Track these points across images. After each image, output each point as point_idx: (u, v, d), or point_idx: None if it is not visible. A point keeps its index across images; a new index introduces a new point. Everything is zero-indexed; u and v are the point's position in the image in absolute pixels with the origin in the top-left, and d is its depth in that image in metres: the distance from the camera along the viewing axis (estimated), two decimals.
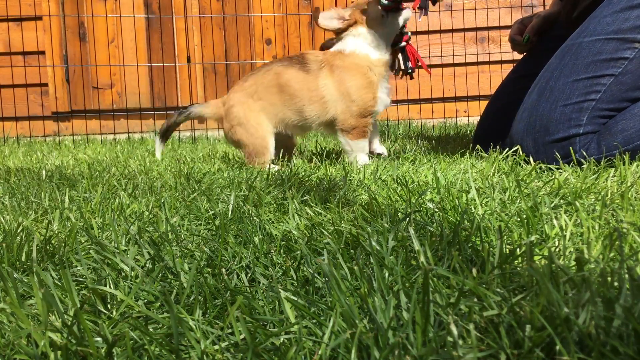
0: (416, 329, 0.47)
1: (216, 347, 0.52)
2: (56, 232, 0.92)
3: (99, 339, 0.53)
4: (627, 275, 0.51)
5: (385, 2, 1.73)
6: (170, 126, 1.95)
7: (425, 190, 1.06)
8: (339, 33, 1.80)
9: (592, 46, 1.45)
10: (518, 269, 0.61)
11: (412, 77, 1.86)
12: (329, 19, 1.77)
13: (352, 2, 1.85)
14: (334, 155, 2.02)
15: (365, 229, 0.79)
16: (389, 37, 1.80)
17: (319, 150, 2.23)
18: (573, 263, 0.66)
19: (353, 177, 1.37)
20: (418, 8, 1.70)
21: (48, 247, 0.82)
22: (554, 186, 1.08)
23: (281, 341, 0.52)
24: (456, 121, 3.68)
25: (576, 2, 1.66)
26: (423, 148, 2.02)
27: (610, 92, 1.43)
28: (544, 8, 1.91)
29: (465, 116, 3.78)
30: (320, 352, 0.49)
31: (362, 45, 1.76)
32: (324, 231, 0.83)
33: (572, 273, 0.53)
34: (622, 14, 1.43)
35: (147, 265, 0.75)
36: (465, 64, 3.73)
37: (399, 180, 1.22)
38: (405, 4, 1.78)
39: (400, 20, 1.79)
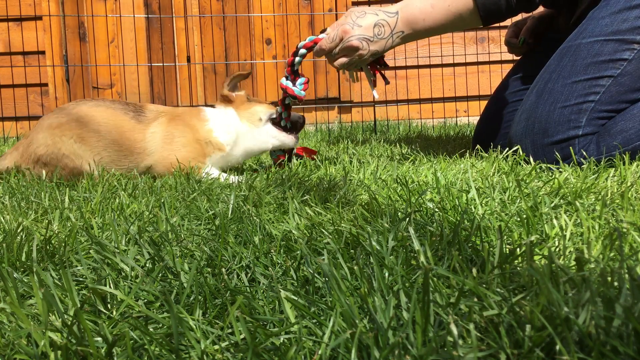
0: (416, 329, 0.47)
1: (216, 347, 0.52)
2: (56, 232, 0.92)
3: (99, 338, 0.53)
4: (627, 275, 0.51)
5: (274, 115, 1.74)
6: None
7: (425, 190, 1.06)
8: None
9: (590, 47, 1.45)
10: (518, 268, 0.61)
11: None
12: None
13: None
14: (333, 155, 2.02)
15: (365, 229, 0.79)
16: (249, 141, 1.75)
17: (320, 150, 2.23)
18: (573, 263, 0.66)
19: (353, 177, 1.37)
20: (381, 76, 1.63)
21: (48, 247, 0.82)
22: (554, 186, 1.08)
23: (281, 341, 0.52)
24: (456, 121, 3.68)
25: (574, 6, 1.66)
26: (421, 148, 2.02)
27: (609, 94, 1.43)
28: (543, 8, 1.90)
29: (465, 116, 3.78)
30: (320, 352, 0.49)
31: (220, 122, 1.72)
32: (324, 231, 0.83)
33: (572, 273, 0.53)
34: (620, 15, 1.43)
35: (147, 265, 0.75)
36: (465, 64, 3.73)
37: (399, 180, 1.22)
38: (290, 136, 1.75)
39: (274, 140, 1.75)
